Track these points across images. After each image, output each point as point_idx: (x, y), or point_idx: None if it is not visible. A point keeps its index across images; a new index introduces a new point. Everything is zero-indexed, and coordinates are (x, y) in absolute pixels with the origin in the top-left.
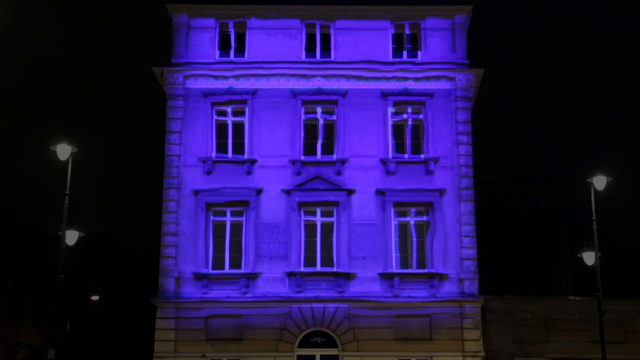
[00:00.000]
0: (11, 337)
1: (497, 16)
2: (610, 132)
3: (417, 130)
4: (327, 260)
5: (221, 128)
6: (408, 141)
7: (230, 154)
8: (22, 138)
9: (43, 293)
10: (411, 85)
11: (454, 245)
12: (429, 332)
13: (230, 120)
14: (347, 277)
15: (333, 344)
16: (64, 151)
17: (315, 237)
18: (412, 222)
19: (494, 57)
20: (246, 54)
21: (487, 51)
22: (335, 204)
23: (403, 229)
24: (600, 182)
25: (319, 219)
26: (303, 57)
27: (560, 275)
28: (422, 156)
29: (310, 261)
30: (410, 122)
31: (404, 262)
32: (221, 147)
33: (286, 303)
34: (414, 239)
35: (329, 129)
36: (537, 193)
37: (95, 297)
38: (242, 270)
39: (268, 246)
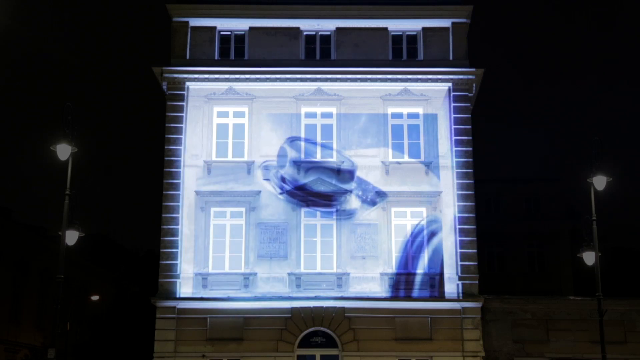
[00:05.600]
0: (11, 337)
1: (498, 16)
2: (610, 132)
3: (417, 131)
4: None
5: (221, 129)
6: (407, 142)
7: (230, 155)
8: (22, 138)
9: (43, 293)
10: (411, 85)
11: (453, 246)
12: (429, 332)
13: (230, 121)
14: (347, 276)
15: (333, 344)
16: (64, 151)
17: (315, 237)
18: (411, 223)
19: (494, 57)
20: (246, 54)
21: (487, 51)
22: (335, 204)
23: (402, 229)
24: (600, 182)
25: (318, 220)
26: (303, 58)
27: (560, 275)
28: (422, 157)
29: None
30: (409, 123)
31: (404, 262)
32: (221, 148)
33: (286, 302)
34: (414, 239)
35: (329, 129)
36: (537, 193)
37: (95, 297)
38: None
39: (268, 246)
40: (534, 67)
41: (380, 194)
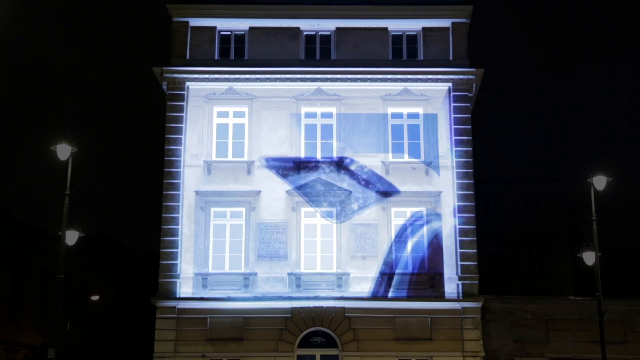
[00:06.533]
0: (11, 337)
1: (498, 16)
2: (610, 132)
3: (417, 131)
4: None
5: (221, 129)
6: (407, 142)
7: (230, 155)
8: (22, 138)
9: (43, 293)
10: (411, 85)
11: (453, 246)
12: (429, 332)
13: (230, 121)
14: (347, 276)
15: (333, 344)
16: (64, 151)
17: (315, 237)
18: (411, 223)
19: (494, 57)
20: (246, 54)
21: (487, 51)
22: (335, 204)
23: (402, 229)
24: (600, 182)
25: (318, 220)
26: (303, 58)
27: (560, 275)
28: (422, 157)
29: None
30: (409, 123)
31: (404, 262)
32: (221, 148)
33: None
34: (414, 239)
35: (329, 129)
36: (537, 193)
37: (95, 297)
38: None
39: (268, 246)
40: (534, 67)
41: (380, 194)
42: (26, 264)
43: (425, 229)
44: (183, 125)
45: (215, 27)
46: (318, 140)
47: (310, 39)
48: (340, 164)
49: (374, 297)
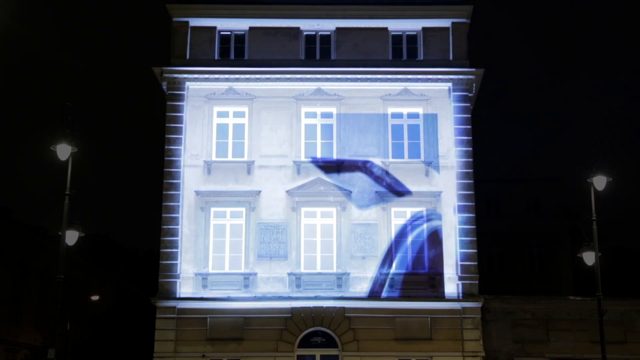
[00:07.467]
0: (11, 337)
1: (498, 16)
2: (610, 132)
3: (417, 131)
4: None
5: (221, 129)
6: (407, 142)
7: (230, 155)
8: (22, 138)
9: (43, 293)
10: (411, 85)
11: (453, 246)
12: (429, 332)
13: (230, 121)
14: (347, 276)
15: (333, 344)
16: (64, 151)
17: (315, 237)
18: (411, 223)
19: (494, 57)
20: (246, 54)
21: (487, 51)
22: (335, 204)
23: (402, 229)
24: (600, 182)
25: (318, 220)
26: (303, 58)
27: (560, 275)
28: (422, 157)
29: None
30: (409, 123)
31: (404, 262)
32: (221, 148)
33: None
34: (414, 239)
35: (329, 129)
36: (537, 193)
37: (95, 297)
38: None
39: (268, 246)
40: (533, 66)
41: (381, 194)
42: (26, 264)
43: (425, 228)
44: (183, 125)
45: (215, 27)
46: (318, 140)
47: (310, 39)
48: (340, 164)
49: (373, 297)
